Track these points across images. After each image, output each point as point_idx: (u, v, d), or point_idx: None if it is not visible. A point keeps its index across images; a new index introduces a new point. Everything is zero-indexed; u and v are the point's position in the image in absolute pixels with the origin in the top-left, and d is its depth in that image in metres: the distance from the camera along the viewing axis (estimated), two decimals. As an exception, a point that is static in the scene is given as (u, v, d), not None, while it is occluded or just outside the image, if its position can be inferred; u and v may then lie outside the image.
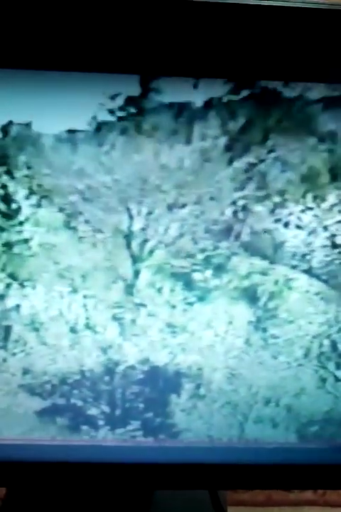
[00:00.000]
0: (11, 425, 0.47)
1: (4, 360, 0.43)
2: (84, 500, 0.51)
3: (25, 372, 0.44)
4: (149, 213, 0.37)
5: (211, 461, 0.47)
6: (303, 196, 0.37)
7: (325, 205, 0.37)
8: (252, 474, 0.48)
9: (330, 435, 0.48)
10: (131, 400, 0.46)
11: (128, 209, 0.37)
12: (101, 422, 0.47)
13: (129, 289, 0.40)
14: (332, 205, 0.37)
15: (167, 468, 0.47)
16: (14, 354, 0.43)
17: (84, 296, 0.41)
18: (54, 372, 0.44)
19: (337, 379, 0.45)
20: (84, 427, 0.47)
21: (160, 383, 0.45)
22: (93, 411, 0.46)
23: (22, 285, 0.40)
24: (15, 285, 0.40)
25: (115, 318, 0.42)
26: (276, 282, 0.40)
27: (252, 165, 0.35)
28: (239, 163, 0.35)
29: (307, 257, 0.39)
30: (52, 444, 0.47)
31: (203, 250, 0.39)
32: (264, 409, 0.46)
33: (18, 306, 0.41)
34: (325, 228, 0.38)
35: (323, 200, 0.37)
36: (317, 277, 0.40)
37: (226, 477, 0.48)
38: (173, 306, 0.41)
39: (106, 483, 0.48)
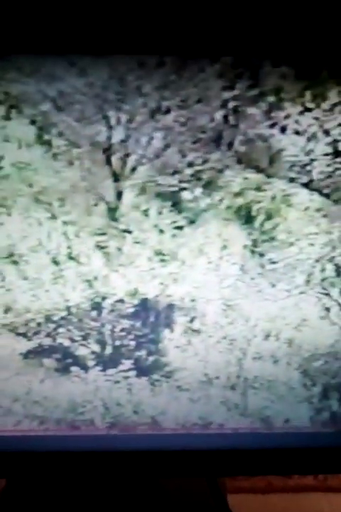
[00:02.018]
0: (-3, 369, 0.43)
1: (-17, 297, 0.39)
2: (84, 491, 0.48)
3: (7, 310, 0.40)
4: (129, 121, 0.32)
5: (208, 447, 0.44)
6: (301, 95, 0.32)
7: (325, 104, 0.32)
8: (251, 460, 0.44)
9: (335, 371, 0.44)
10: (122, 338, 0.42)
11: (105, 117, 0.32)
12: (91, 363, 0.43)
13: (112, 213, 0.36)
14: (334, 105, 0.32)
15: (165, 456, 0.44)
16: (-6, 291, 0.39)
17: (64, 223, 0.36)
18: (37, 309, 0.40)
19: (341, 308, 0.40)
20: (74, 368, 0.43)
21: (152, 318, 0.41)
22: (82, 351, 0.42)
23: (-4, 212, 0.35)
24: (-12, 212, 0.35)
25: (99, 246, 0.37)
26: (273, 199, 0.35)
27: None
28: (227, 57, 0.30)
29: (307, 168, 0.34)
30: (51, 434, 0.43)
31: (191, 164, 0.34)
32: (264, 344, 0.42)
33: (-7, 236, 0.36)
34: (327, 133, 0.33)
35: (324, 99, 0.32)
36: (319, 191, 0.35)
37: (224, 464, 0.44)
38: (161, 231, 0.37)
39: (106, 473, 0.44)
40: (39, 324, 0.40)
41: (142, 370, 0.43)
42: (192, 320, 0.40)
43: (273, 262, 0.38)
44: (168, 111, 0.32)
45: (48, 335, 0.41)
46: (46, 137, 0.33)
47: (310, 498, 0.56)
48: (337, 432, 0.44)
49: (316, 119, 0.32)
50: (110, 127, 0.32)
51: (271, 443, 0.44)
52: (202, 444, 0.44)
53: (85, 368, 0.42)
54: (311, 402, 0.44)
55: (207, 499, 0.49)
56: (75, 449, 0.44)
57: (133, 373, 0.43)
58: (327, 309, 0.40)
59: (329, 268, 0.38)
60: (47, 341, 0.41)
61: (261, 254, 0.37)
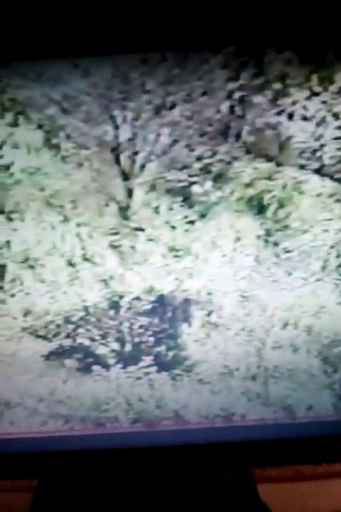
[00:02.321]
0: (20, 371, 0.43)
1: (3, 302, 0.40)
2: (114, 489, 0.49)
3: (26, 313, 0.40)
4: (135, 119, 0.32)
5: (236, 439, 0.43)
6: (307, 79, 0.31)
7: (333, 87, 0.31)
8: (279, 450, 0.43)
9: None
10: (141, 334, 0.42)
11: (111, 117, 0.32)
12: (111, 361, 0.43)
13: (124, 212, 0.36)
14: (342, 88, 0.31)
15: (193, 450, 0.44)
16: (12, 295, 0.39)
17: (77, 225, 0.36)
18: (56, 311, 0.40)
19: (359, 292, 0.40)
20: (95, 367, 0.43)
21: (169, 313, 0.41)
22: (102, 349, 0.42)
23: (9, 218, 0.36)
24: (1, 219, 0.36)
25: (112, 246, 0.37)
26: (284, 187, 0.35)
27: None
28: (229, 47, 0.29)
29: (317, 154, 0.33)
30: (78, 434, 0.43)
31: (200, 158, 0.33)
32: (282, 333, 0.42)
33: (8, 243, 0.37)
34: (336, 116, 0.32)
35: (331, 81, 0.31)
36: (330, 176, 0.34)
37: (253, 455, 0.44)
38: (173, 227, 0.36)
39: (135, 470, 0.44)
40: (58, 326, 0.41)
41: (162, 365, 0.43)
42: (209, 313, 0.40)
43: (288, 251, 0.37)
44: (173, 106, 0.31)
45: (68, 336, 0.41)
46: (54, 141, 0.33)
47: (339, 485, 0.56)
48: None
49: (324, 102, 0.31)
50: (117, 126, 0.32)
51: (298, 433, 0.44)
52: (231, 436, 0.44)
53: (106, 366, 0.43)
54: (333, 388, 0.44)
55: (237, 491, 0.49)
56: (103, 447, 0.44)
57: (153, 369, 0.43)
58: (345, 295, 0.39)
59: (346, 253, 0.37)
60: (67, 342, 0.42)
61: (275, 244, 0.37)
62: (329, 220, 0.36)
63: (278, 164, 0.33)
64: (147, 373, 0.43)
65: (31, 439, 0.44)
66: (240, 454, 0.44)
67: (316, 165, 0.33)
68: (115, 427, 0.44)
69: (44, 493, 0.50)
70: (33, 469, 0.45)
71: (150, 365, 0.43)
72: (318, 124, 0.32)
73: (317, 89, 0.31)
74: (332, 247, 0.37)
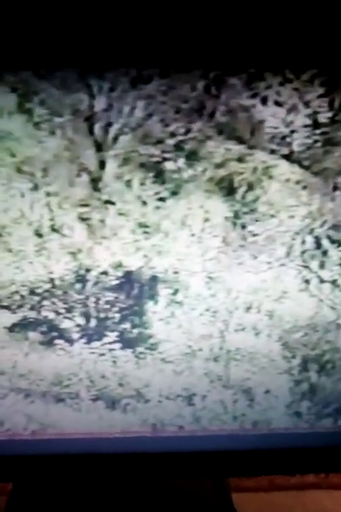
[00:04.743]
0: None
1: (-34, 269, 0.38)
2: (89, 493, 0.48)
3: (-9, 282, 0.39)
4: (111, 90, 0.31)
5: (213, 449, 0.43)
6: (281, 65, 0.31)
7: (305, 75, 0.32)
8: (254, 461, 0.44)
9: (315, 342, 0.44)
10: (106, 310, 0.41)
11: (87, 86, 0.31)
12: (75, 336, 0.42)
13: (95, 184, 0.35)
14: (313, 76, 0.32)
15: (169, 458, 0.43)
16: (-23, 263, 0.38)
17: (47, 194, 0.36)
18: (21, 282, 0.39)
19: (321, 280, 0.40)
20: (59, 342, 0.42)
21: (136, 290, 0.40)
22: (67, 324, 0.42)
23: (-23, 182, 0.35)
24: (-31, 182, 0.34)
25: (82, 218, 0.37)
26: (255, 170, 0.35)
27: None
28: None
29: (288, 140, 0.34)
30: (54, 438, 0.43)
31: (174, 134, 0.33)
32: (245, 316, 0.42)
33: (-25, 207, 0.36)
34: (306, 104, 0.33)
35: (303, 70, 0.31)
36: (299, 163, 0.35)
37: (229, 465, 0.44)
38: (144, 203, 0.36)
39: (111, 475, 0.44)
40: (23, 297, 0.40)
41: (126, 342, 0.42)
42: (175, 292, 0.40)
43: (255, 235, 0.37)
44: (149, 79, 0.31)
45: (33, 308, 0.40)
46: (27, 106, 0.32)
47: (312, 496, 0.57)
48: (338, 432, 0.44)
49: (296, 90, 0.32)
50: (92, 96, 0.32)
51: (274, 443, 0.44)
52: (208, 445, 0.44)
53: (70, 340, 0.42)
54: (291, 373, 0.44)
55: (212, 499, 0.49)
56: (80, 451, 0.43)
57: (117, 346, 0.42)
58: (307, 281, 0.40)
59: (309, 240, 0.38)
60: (32, 314, 0.41)
61: (243, 226, 0.37)
62: (296, 206, 0.36)
63: (249, 147, 0.34)
64: (111, 350, 0.42)
65: (6, 441, 0.43)
66: (216, 463, 0.44)
67: (286, 151, 0.34)
68: (92, 432, 0.43)
69: (19, 497, 0.49)
70: (7, 472, 0.44)
71: (114, 342, 0.42)
72: (289, 111, 0.32)
73: (290, 75, 0.31)
74: (296, 233, 0.38)
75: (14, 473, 0.44)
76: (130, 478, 0.46)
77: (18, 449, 0.43)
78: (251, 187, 0.35)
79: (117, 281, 0.39)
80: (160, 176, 0.35)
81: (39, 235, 0.37)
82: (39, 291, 0.39)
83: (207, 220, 0.37)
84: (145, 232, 0.37)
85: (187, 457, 0.44)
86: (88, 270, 0.39)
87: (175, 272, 0.39)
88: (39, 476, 0.44)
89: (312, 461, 0.45)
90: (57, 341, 0.42)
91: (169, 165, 0.34)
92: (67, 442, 0.43)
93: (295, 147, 0.34)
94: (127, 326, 0.41)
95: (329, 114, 0.33)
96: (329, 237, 0.38)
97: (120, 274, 0.39)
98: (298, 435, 0.44)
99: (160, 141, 0.33)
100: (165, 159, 0.34)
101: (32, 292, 0.39)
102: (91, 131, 0.33)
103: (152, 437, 0.44)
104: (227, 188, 0.35)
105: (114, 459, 0.44)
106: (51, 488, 0.48)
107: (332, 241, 0.38)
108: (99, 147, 0.33)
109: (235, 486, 0.53)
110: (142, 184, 0.35)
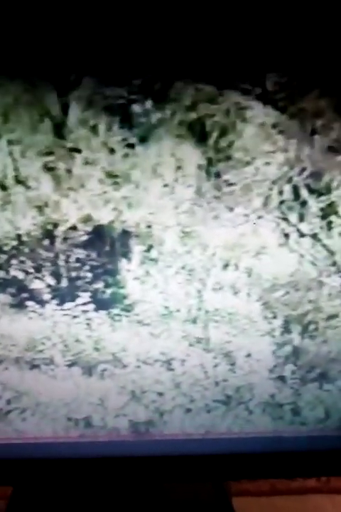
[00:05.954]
0: None
1: None
2: (89, 497, 0.47)
3: None
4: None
5: (213, 452, 0.42)
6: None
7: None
8: (255, 464, 0.43)
9: (297, 302, 0.42)
10: (77, 269, 0.39)
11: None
12: (47, 297, 0.40)
13: (59, 130, 0.33)
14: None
15: (170, 461, 0.42)
16: None
17: (9, 142, 0.34)
18: (-14, 239, 0.37)
19: (301, 234, 0.38)
20: (30, 304, 0.40)
21: (107, 247, 0.38)
22: (37, 284, 0.40)
23: None
24: None
25: (47, 168, 0.35)
26: (227, 112, 0.33)
27: None
28: None
29: (261, 78, 0.32)
30: (52, 441, 0.42)
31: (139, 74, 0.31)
32: (223, 274, 0.40)
33: None
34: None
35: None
36: (273, 104, 0.33)
37: (229, 468, 0.43)
38: (112, 150, 0.34)
39: (113, 478, 0.43)
40: (-11, 255, 0.38)
41: (100, 303, 0.40)
42: (149, 249, 0.38)
43: (230, 184, 0.35)
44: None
45: (0, 267, 0.38)
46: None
47: (313, 500, 0.56)
48: (339, 436, 0.43)
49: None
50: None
51: (275, 447, 0.43)
52: (209, 448, 0.43)
53: (41, 302, 0.40)
54: (273, 335, 0.43)
55: (212, 503, 0.48)
56: (80, 455, 0.42)
57: (91, 307, 0.40)
58: (286, 235, 0.38)
59: (287, 190, 0.36)
60: (0, 274, 0.39)
61: (217, 175, 0.35)
62: (272, 152, 0.34)
63: (220, 87, 0.31)
64: (84, 311, 0.41)
65: (6, 445, 0.42)
66: (216, 466, 0.43)
67: (259, 91, 0.32)
68: (92, 436, 0.42)
69: (19, 501, 0.48)
70: (7, 476, 0.43)
71: (87, 303, 0.40)
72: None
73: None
74: (273, 182, 0.36)
75: (14, 477, 0.43)
76: (130, 482, 0.45)
77: (18, 453, 0.42)
78: (224, 131, 0.33)
79: (87, 237, 0.37)
80: (127, 120, 0.33)
81: (3, 187, 0.35)
82: (6, 249, 0.37)
83: (179, 168, 0.35)
84: (114, 183, 0.35)
85: (187, 460, 0.43)
86: (56, 225, 0.37)
87: (148, 226, 0.37)
88: (39, 480, 0.43)
89: (314, 465, 0.44)
90: (27, 303, 0.40)
91: (136, 107, 0.32)
92: (67, 446, 0.42)
93: (269, 87, 0.32)
94: (100, 285, 0.39)
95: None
96: (308, 186, 0.36)
97: (89, 229, 0.37)
98: (299, 439, 0.43)
99: (125, 82, 0.31)
100: (131, 101, 0.32)
101: (-1, 250, 0.37)
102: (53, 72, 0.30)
103: (152, 440, 0.42)
104: (199, 133, 0.33)
105: (114, 463, 0.43)
106: (51, 492, 0.48)
107: (311, 190, 0.36)
108: (60, 89, 0.31)
109: (236, 489, 0.52)
110: (108, 130, 0.33)
